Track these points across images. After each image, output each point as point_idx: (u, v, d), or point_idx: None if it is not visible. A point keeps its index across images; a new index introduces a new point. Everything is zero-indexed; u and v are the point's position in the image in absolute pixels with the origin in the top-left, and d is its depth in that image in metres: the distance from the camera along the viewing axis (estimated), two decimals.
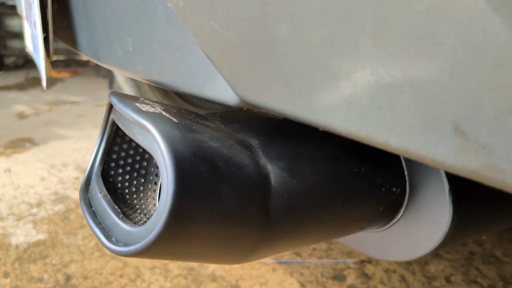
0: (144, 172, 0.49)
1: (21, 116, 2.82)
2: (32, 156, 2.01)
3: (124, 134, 0.48)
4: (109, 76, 3.80)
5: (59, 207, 1.49)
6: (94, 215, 0.43)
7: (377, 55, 0.27)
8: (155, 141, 0.35)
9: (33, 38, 0.74)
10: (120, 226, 0.39)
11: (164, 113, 0.40)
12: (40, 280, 1.09)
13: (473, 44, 0.22)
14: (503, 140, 0.22)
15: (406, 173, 0.53)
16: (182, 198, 0.34)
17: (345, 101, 0.29)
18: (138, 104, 0.41)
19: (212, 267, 1.16)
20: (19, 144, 2.20)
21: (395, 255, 0.57)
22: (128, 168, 0.49)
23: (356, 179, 0.48)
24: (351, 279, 1.14)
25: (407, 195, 0.53)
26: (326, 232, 0.48)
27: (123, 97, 0.43)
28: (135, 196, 0.48)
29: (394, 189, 0.51)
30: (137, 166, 0.49)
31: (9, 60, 4.83)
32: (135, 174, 0.49)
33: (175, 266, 1.16)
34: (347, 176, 0.47)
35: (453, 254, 1.27)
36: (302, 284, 1.11)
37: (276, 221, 0.41)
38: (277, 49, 0.33)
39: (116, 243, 0.39)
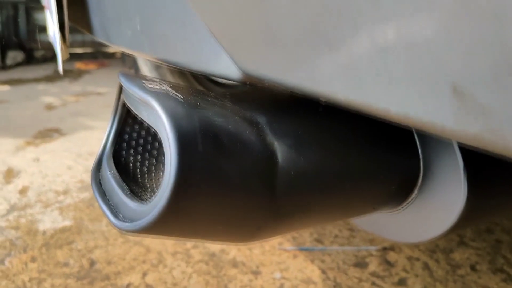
0: (156, 153, 0.49)
1: (50, 107, 2.89)
2: (60, 146, 2.06)
3: (136, 115, 0.48)
4: (134, 66, 3.84)
5: (85, 195, 1.52)
6: (103, 193, 0.43)
7: (371, 17, 0.25)
8: (159, 117, 0.35)
9: (52, 25, 0.75)
10: (127, 204, 0.40)
11: (170, 90, 0.40)
12: (66, 264, 1.12)
13: None
14: (503, 102, 0.21)
15: (420, 151, 0.51)
16: (185, 174, 0.33)
17: (343, 68, 0.28)
18: (145, 82, 0.41)
19: (233, 253, 1.17)
20: (47, 134, 2.25)
21: (409, 236, 0.55)
22: (140, 149, 0.49)
23: (367, 157, 0.47)
24: (373, 266, 1.13)
25: (421, 174, 0.51)
26: (335, 211, 0.47)
27: (131, 76, 0.43)
28: (146, 176, 0.48)
29: (407, 168, 0.50)
30: (149, 147, 0.49)
31: (38, 54, 4.94)
32: (147, 155, 0.49)
33: (197, 252, 1.17)
34: (358, 154, 0.46)
35: (479, 242, 1.24)
36: (323, 271, 1.10)
37: (283, 199, 0.40)
38: (273, 17, 0.32)
39: (122, 220, 0.39)
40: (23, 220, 1.34)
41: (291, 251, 1.19)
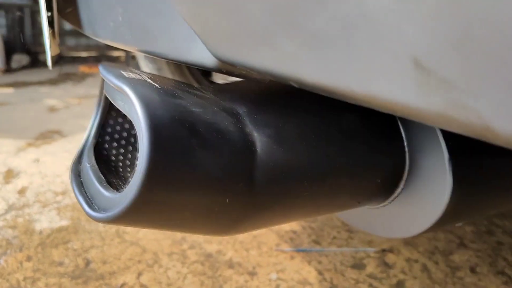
0: (138, 146, 0.48)
1: (52, 109, 2.89)
2: (60, 147, 2.06)
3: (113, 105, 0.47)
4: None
5: None
6: (81, 184, 0.43)
7: None
8: (132, 103, 0.34)
9: (44, 28, 0.75)
10: (102, 194, 0.39)
11: (148, 80, 0.39)
12: (61, 264, 1.11)
13: None
14: (462, 71, 0.20)
15: (405, 144, 0.50)
16: (158, 162, 0.32)
17: (304, 48, 0.28)
18: (123, 72, 0.40)
19: (230, 254, 1.16)
20: (48, 135, 2.25)
21: (395, 232, 0.54)
22: (123, 142, 0.48)
23: (350, 149, 0.45)
24: (371, 268, 1.11)
25: (407, 168, 0.50)
26: (318, 205, 0.46)
27: (110, 67, 0.42)
28: (128, 169, 0.47)
29: (392, 161, 0.49)
30: (132, 140, 0.48)
31: (43, 57, 4.97)
32: (129, 148, 0.48)
33: (193, 253, 1.16)
34: (340, 146, 0.45)
35: (480, 244, 1.22)
36: (320, 272, 1.09)
37: (262, 190, 0.39)
38: (239, 1, 0.32)
39: (97, 210, 0.38)
40: (20, 220, 1.34)
41: (289, 252, 1.18)
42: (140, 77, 0.40)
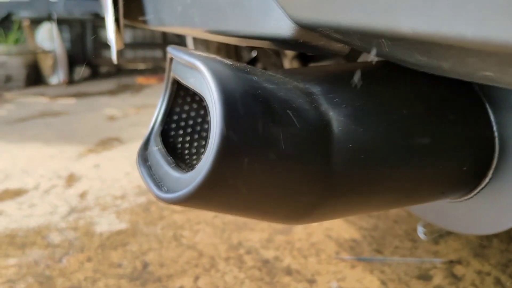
0: (205, 134, 0.47)
1: (111, 118, 2.99)
2: (119, 153, 2.11)
3: (185, 95, 0.46)
4: None
5: (141, 199, 1.54)
6: (149, 168, 0.41)
7: None
8: (204, 78, 0.32)
9: (109, 23, 0.76)
10: (171, 175, 0.37)
11: (219, 58, 0.38)
12: (120, 265, 1.12)
13: None
14: None
15: (495, 130, 0.45)
16: (231, 138, 0.30)
17: None
18: (193, 51, 0.39)
19: (287, 261, 1.13)
20: (108, 142, 2.32)
21: (480, 227, 0.49)
22: (189, 130, 0.47)
23: (435, 131, 0.41)
24: (438, 279, 1.04)
25: (496, 155, 0.45)
26: (400, 193, 0.42)
27: (180, 48, 0.41)
28: (195, 157, 0.46)
29: (481, 146, 0.44)
30: (198, 128, 0.47)
31: (103, 69, 5.18)
32: (196, 136, 0.47)
33: (250, 258, 1.14)
34: (424, 128, 0.41)
35: None
36: (383, 282, 1.03)
37: (339, 173, 0.36)
38: None
39: (166, 191, 0.37)
40: (82, 222, 1.37)
41: (349, 260, 1.13)
42: (211, 56, 0.38)
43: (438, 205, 0.54)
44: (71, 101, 3.70)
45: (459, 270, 1.09)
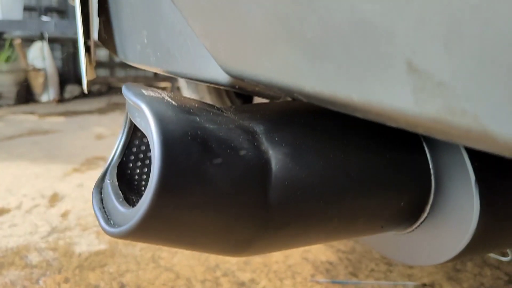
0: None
1: (99, 137, 3.00)
2: None
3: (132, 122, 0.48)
4: None
5: None
6: (100, 200, 0.43)
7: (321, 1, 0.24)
8: (146, 119, 0.35)
9: (81, 55, 0.79)
10: (118, 209, 0.39)
11: (166, 98, 0.40)
12: (97, 287, 1.12)
13: None
14: (456, 72, 0.19)
15: (430, 165, 0.47)
16: (169, 176, 0.32)
17: (304, 59, 0.27)
18: (143, 90, 0.41)
19: (263, 283, 1.14)
20: (93, 162, 2.33)
21: (421, 259, 0.51)
22: (147, 162, 0.49)
23: (371, 168, 0.44)
24: None
25: (432, 191, 0.47)
26: (337, 228, 0.44)
27: (133, 86, 0.43)
28: None
29: (417, 183, 0.46)
30: None
31: (94, 88, 5.20)
32: None
33: (226, 280, 1.15)
34: (361, 165, 0.43)
35: None
36: None
37: (276, 210, 0.38)
38: (240, 9, 0.32)
39: (112, 225, 0.39)
40: (61, 242, 1.37)
41: (324, 283, 1.14)
42: (159, 95, 0.41)
43: (385, 236, 0.56)
44: (61, 119, 3.71)
45: None
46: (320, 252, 1.31)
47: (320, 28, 0.25)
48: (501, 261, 1.25)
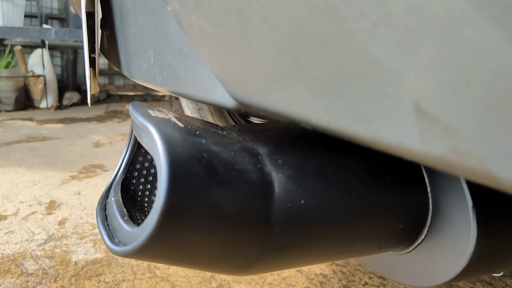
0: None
1: (97, 144, 3.01)
2: (101, 181, 2.13)
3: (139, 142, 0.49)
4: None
5: None
6: (105, 218, 0.44)
7: (333, 37, 0.26)
8: (154, 141, 0.36)
9: (86, 69, 0.80)
10: (123, 227, 0.40)
11: (173, 119, 0.41)
12: None
13: (419, 10, 0.21)
14: (464, 117, 0.20)
15: (428, 189, 0.49)
16: (175, 198, 0.34)
17: (313, 92, 0.29)
18: (150, 111, 0.43)
19: None
20: (91, 169, 2.34)
21: (419, 280, 0.52)
22: (150, 178, 0.50)
23: (371, 192, 0.45)
24: None
25: (430, 214, 0.49)
26: (337, 249, 0.46)
27: (139, 105, 0.44)
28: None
29: (415, 206, 0.48)
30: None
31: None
32: (156, 185, 0.50)
33: None
34: (361, 189, 0.45)
35: None
36: None
37: (278, 230, 0.40)
38: (251, 41, 0.33)
39: (117, 244, 0.40)
40: (58, 250, 1.38)
41: None
42: (166, 116, 0.42)
43: (382, 256, 0.58)
44: (59, 126, 3.72)
45: None
46: (315, 264, 1.32)
47: (330, 66, 0.27)
48: (493, 277, 1.26)
